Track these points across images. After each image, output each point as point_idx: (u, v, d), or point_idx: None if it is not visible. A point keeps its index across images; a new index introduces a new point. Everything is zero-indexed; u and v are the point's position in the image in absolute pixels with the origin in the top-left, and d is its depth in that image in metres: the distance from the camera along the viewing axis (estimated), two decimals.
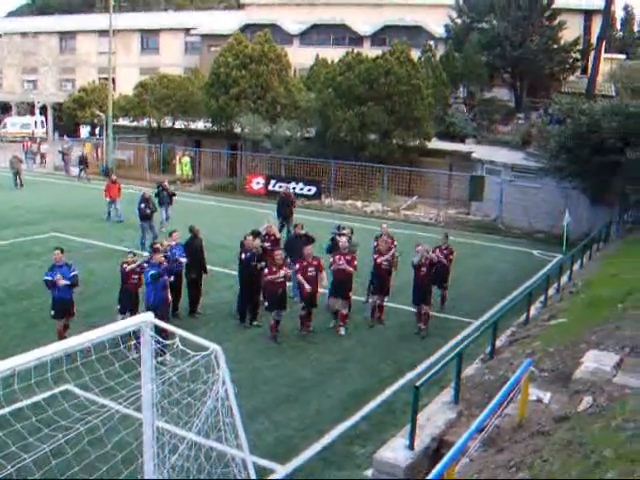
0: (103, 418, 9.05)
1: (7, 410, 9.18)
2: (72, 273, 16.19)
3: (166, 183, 30.69)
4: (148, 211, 26.80)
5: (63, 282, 15.88)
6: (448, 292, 20.51)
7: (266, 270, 17.32)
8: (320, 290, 18.11)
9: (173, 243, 18.36)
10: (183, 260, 18.24)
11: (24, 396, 8.74)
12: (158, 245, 17.29)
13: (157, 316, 14.87)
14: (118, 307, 16.48)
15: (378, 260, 18.65)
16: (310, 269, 17.52)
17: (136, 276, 16.55)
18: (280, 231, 24.32)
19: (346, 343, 17.38)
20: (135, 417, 9.44)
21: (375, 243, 19.81)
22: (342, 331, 18.08)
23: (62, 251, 16.35)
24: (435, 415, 11.19)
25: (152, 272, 15.69)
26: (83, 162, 48.54)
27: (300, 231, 20.58)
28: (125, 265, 16.53)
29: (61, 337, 15.72)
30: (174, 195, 30.31)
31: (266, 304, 17.48)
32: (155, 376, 8.42)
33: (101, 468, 8.95)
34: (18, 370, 6.68)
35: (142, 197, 27.14)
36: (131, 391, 8.62)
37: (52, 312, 16.24)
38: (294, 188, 40.28)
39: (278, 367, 15.67)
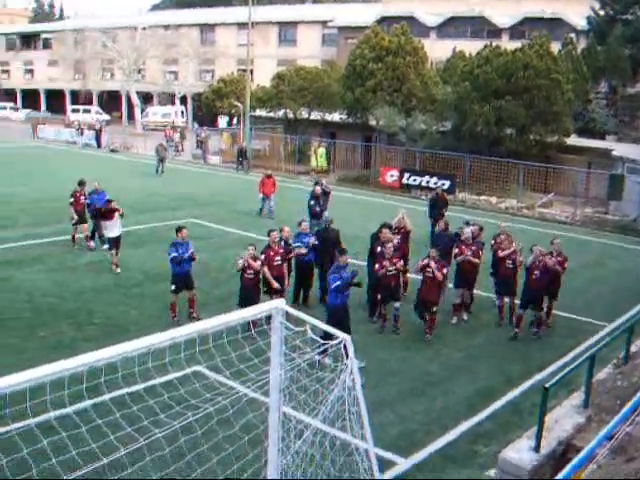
0: (232, 400, 9.32)
1: (141, 386, 9.57)
2: (191, 250, 17.55)
3: (324, 181, 28.89)
4: (318, 209, 25.74)
5: (190, 254, 17.38)
6: (580, 300, 19.96)
7: (376, 265, 17.25)
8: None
9: (286, 232, 18.54)
10: (302, 250, 18.51)
11: (158, 374, 9.10)
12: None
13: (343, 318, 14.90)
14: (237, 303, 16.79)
15: (500, 254, 18.36)
16: (429, 269, 17.11)
17: (251, 271, 16.77)
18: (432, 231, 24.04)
19: (475, 340, 17.23)
20: (262, 401, 9.68)
21: (492, 242, 19.59)
22: (465, 316, 18.56)
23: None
24: (563, 418, 10.96)
25: (345, 276, 15.33)
26: (242, 154, 48.66)
27: (444, 227, 20.47)
28: (238, 258, 16.89)
29: (174, 309, 17.28)
30: (329, 192, 28.56)
31: (379, 296, 17.52)
32: (284, 362, 8.59)
33: (227, 448, 9.20)
34: (153, 349, 6.96)
35: (312, 194, 26.32)
36: (260, 375, 8.83)
37: (172, 287, 17.36)
38: (427, 182, 40.14)
39: (405, 360, 15.69)
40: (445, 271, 17.50)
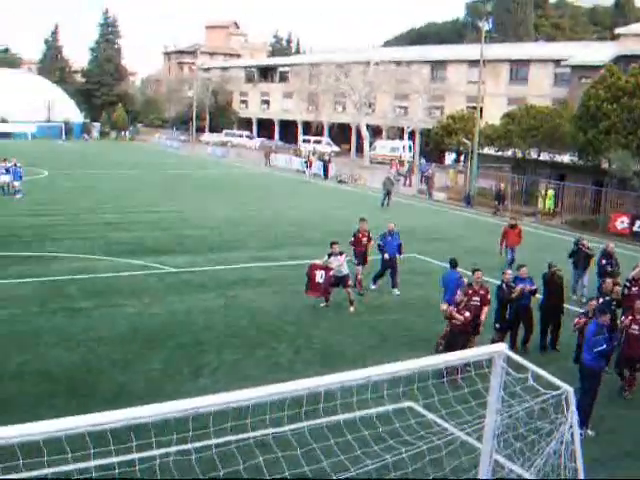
0: (445, 441, 9.18)
1: (357, 414, 9.65)
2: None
3: (585, 241, 23.85)
4: (609, 268, 21.88)
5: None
6: None
7: (627, 319, 15.91)
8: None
9: (508, 275, 18.42)
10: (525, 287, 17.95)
11: (373, 405, 9.14)
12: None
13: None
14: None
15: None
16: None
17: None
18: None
19: None
20: (475, 445, 9.46)
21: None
22: None
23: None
24: None
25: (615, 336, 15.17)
26: (500, 197, 46.77)
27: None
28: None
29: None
30: (592, 256, 23.51)
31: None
32: (501, 407, 8.35)
33: None
34: (372, 381, 6.98)
35: (603, 251, 22.83)
36: (475, 419, 8.65)
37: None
38: None
39: (624, 418, 14.68)
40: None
